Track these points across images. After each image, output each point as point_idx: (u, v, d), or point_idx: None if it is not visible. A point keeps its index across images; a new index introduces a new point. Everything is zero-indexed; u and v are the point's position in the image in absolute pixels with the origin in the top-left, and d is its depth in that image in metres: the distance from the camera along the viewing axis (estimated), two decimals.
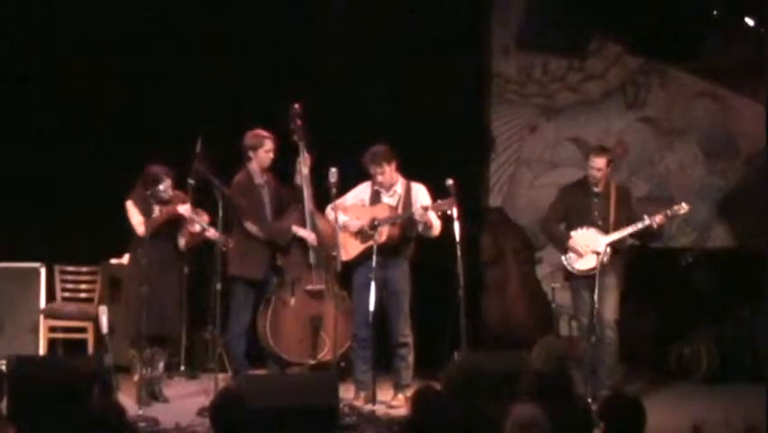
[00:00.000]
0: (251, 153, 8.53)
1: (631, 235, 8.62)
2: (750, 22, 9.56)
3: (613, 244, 8.55)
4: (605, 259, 8.52)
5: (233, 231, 8.55)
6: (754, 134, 10.19)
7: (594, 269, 8.53)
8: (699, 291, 9.85)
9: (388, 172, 8.50)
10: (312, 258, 8.65)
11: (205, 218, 8.39)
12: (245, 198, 8.49)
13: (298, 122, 8.53)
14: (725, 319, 9.82)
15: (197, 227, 8.34)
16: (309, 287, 8.68)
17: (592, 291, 8.48)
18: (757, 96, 9.86)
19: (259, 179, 8.59)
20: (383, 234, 8.37)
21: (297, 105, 8.52)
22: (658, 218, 8.48)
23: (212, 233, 8.34)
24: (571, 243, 8.67)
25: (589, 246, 8.60)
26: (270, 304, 8.65)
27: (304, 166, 8.58)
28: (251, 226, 8.52)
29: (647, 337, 10.00)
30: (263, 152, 8.52)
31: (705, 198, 10.53)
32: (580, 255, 8.64)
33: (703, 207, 10.51)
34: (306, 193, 8.58)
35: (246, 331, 8.61)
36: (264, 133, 8.54)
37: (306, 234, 8.63)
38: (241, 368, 8.59)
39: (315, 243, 8.64)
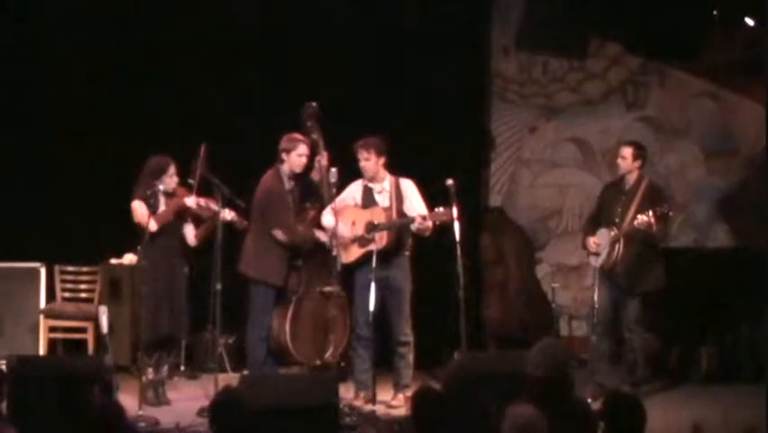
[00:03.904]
0: (284, 156, 8.55)
1: (640, 236, 8.63)
2: (750, 22, 9.56)
3: (618, 241, 8.59)
4: (617, 255, 8.58)
5: (254, 232, 8.56)
6: (754, 134, 10.20)
7: (603, 265, 8.66)
8: (699, 291, 9.85)
9: (373, 162, 8.49)
10: (331, 259, 8.64)
11: (213, 204, 8.40)
12: (276, 205, 8.50)
13: (314, 120, 8.55)
14: (725, 319, 9.82)
15: (211, 211, 8.34)
16: (327, 288, 8.69)
17: (606, 288, 8.61)
18: (757, 96, 9.86)
19: (288, 184, 8.61)
20: (383, 239, 8.37)
21: (313, 104, 8.55)
22: (639, 219, 8.51)
23: (226, 213, 8.34)
24: (587, 240, 8.81)
25: (599, 245, 8.70)
26: (291, 305, 8.66)
27: (322, 163, 8.58)
28: (279, 234, 8.53)
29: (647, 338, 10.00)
30: (296, 155, 8.53)
31: (705, 198, 10.53)
32: (593, 253, 8.76)
33: (703, 207, 10.51)
34: (327, 190, 8.59)
35: (268, 335, 8.61)
36: (299, 136, 8.56)
37: (324, 237, 8.64)
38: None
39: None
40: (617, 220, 8.71)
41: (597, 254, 8.75)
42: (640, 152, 8.85)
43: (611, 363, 8.89)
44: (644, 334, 8.80)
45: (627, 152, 8.82)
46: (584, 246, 8.91)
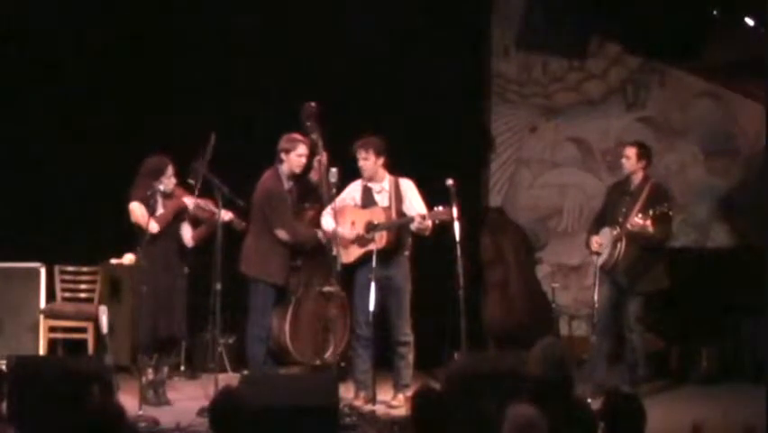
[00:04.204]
0: (283, 156, 8.55)
1: (639, 239, 8.63)
2: (750, 22, 9.55)
3: (620, 240, 8.60)
4: (618, 254, 8.59)
5: (254, 232, 8.56)
6: (754, 134, 10.19)
7: (605, 264, 8.67)
8: (699, 291, 9.85)
9: (371, 161, 8.49)
10: (331, 259, 8.64)
11: (212, 205, 8.41)
12: (276, 205, 8.50)
13: (314, 120, 8.55)
14: (725, 319, 9.81)
15: (209, 213, 8.36)
16: (326, 288, 8.70)
17: (607, 288, 8.64)
18: (757, 96, 9.86)
19: (286, 184, 8.61)
20: (383, 238, 8.37)
21: (312, 104, 8.55)
22: (632, 222, 8.53)
23: (224, 215, 8.34)
24: (591, 240, 8.82)
25: (601, 244, 8.73)
26: (290, 305, 8.67)
27: (322, 163, 8.59)
28: (282, 234, 8.53)
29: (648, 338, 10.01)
30: (295, 155, 8.53)
31: (705, 197, 10.53)
32: (595, 253, 8.78)
33: (703, 207, 10.51)
34: (326, 191, 8.60)
35: (267, 335, 8.62)
36: (299, 137, 8.56)
37: (321, 235, 8.63)
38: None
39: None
40: (620, 220, 8.72)
41: (599, 254, 8.76)
42: (644, 152, 8.87)
43: (611, 363, 8.89)
44: (644, 333, 8.80)
45: (631, 151, 8.85)
46: (587, 245, 8.92)
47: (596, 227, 8.92)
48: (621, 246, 8.64)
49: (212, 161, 8.50)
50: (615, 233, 8.67)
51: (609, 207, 8.92)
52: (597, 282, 8.78)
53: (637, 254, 8.66)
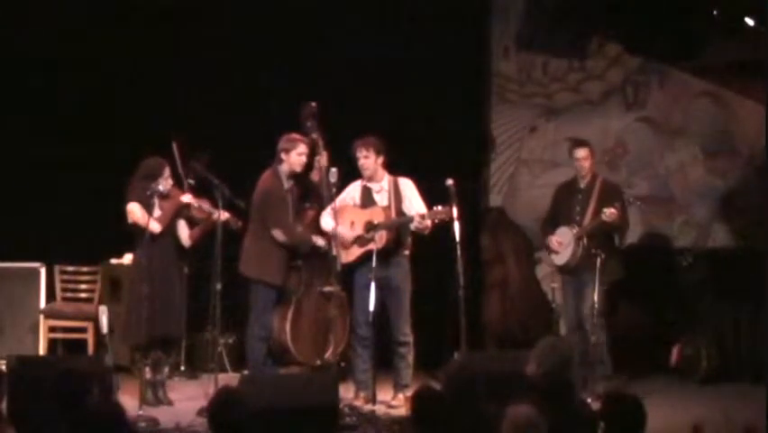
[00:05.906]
0: (283, 155, 8.54)
1: (603, 231, 8.66)
2: (750, 22, 9.56)
3: (582, 238, 8.65)
4: (579, 253, 8.62)
5: (253, 232, 8.56)
6: (754, 134, 10.19)
7: (569, 263, 8.76)
8: (699, 291, 9.85)
9: (372, 160, 8.50)
10: (330, 260, 8.65)
11: (208, 204, 8.42)
12: (274, 205, 8.49)
13: (313, 120, 8.56)
14: (725, 319, 9.82)
15: (205, 213, 8.37)
16: (327, 288, 8.70)
17: (571, 286, 8.71)
18: (757, 96, 9.86)
19: (286, 183, 8.60)
20: (383, 238, 8.38)
21: (312, 104, 8.56)
22: (608, 212, 8.57)
23: (220, 214, 8.34)
24: (548, 240, 8.93)
25: (561, 243, 8.81)
26: (291, 305, 8.68)
27: (322, 163, 8.59)
28: (279, 234, 8.53)
29: (647, 337, 10.00)
30: (296, 154, 8.52)
31: (705, 198, 10.52)
32: (555, 252, 8.90)
33: (703, 207, 10.51)
34: (326, 191, 8.60)
35: (267, 335, 8.61)
36: (298, 136, 8.56)
37: (322, 242, 8.64)
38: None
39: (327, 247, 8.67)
40: (577, 218, 8.82)
41: (557, 253, 8.81)
42: (593, 151, 9.02)
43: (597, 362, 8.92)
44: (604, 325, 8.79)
45: (585, 152, 8.95)
46: (546, 247, 8.97)
47: (550, 227, 9.01)
48: (583, 244, 8.70)
49: (210, 162, 8.51)
50: (575, 231, 8.75)
51: (561, 207, 9.00)
52: (560, 282, 8.85)
53: (593, 249, 8.68)
